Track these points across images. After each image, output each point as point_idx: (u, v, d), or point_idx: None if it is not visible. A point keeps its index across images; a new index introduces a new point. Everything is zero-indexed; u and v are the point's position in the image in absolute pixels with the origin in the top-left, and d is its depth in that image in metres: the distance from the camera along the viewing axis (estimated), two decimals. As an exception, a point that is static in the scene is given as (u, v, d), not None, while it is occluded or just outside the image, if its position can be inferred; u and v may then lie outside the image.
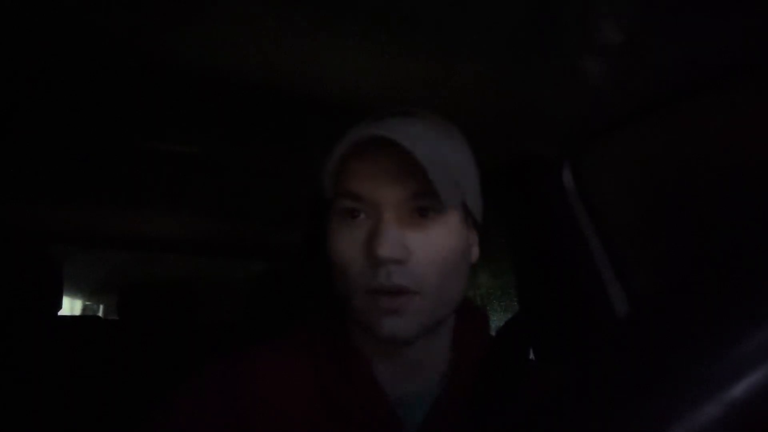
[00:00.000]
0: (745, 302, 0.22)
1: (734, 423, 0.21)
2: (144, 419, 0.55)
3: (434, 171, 0.48)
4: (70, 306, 4.61)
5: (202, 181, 1.43)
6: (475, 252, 0.60)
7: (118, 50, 0.80)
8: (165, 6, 0.70)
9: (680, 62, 0.77)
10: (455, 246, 0.53)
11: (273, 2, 0.69)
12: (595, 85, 0.85)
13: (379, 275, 0.49)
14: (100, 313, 4.67)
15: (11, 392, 1.28)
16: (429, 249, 0.51)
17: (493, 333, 0.65)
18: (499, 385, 0.56)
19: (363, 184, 0.52)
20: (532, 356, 1.09)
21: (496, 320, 1.80)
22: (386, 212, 0.51)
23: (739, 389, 0.21)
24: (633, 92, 0.87)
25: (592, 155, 1.06)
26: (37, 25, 0.75)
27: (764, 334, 0.21)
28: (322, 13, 0.70)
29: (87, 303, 4.75)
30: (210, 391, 0.55)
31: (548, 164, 1.10)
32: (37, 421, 1.27)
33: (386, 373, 0.56)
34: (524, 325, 0.64)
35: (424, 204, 0.51)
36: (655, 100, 0.87)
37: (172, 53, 0.81)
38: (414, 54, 0.79)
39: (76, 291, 3.85)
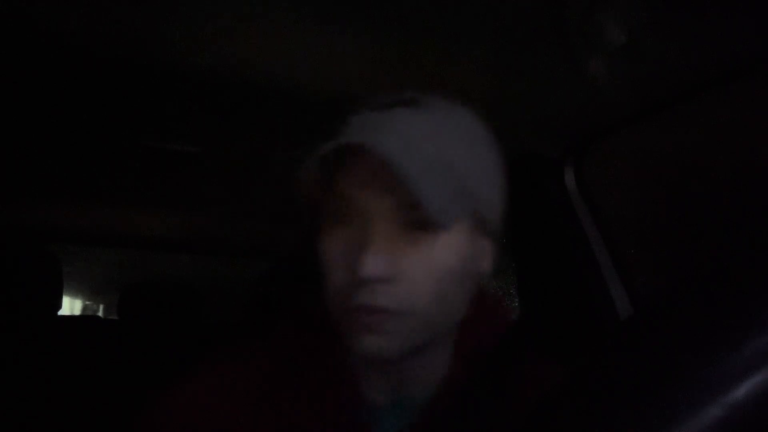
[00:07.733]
0: (747, 305, 0.22)
1: (736, 425, 0.21)
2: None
3: (426, 184, 0.42)
4: (70, 306, 4.61)
5: (202, 180, 1.42)
6: (488, 262, 0.52)
7: (119, 50, 0.80)
8: (165, 6, 0.70)
9: (681, 62, 0.77)
10: (455, 265, 0.46)
11: (274, 2, 0.69)
12: (598, 86, 0.85)
13: (362, 293, 0.44)
14: (100, 313, 4.67)
15: (11, 392, 1.28)
16: (422, 269, 0.45)
17: None
18: (492, 382, 0.52)
19: (351, 189, 0.46)
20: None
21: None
22: (375, 223, 0.44)
23: (741, 391, 0.21)
24: (635, 93, 0.87)
25: (595, 155, 1.06)
26: (38, 25, 0.75)
27: (766, 338, 0.21)
28: (322, 13, 0.70)
29: (87, 303, 4.75)
30: None
31: (550, 164, 1.09)
32: (37, 420, 1.27)
33: (369, 379, 0.51)
34: (524, 327, 0.61)
35: (420, 217, 0.44)
36: (657, 101, 0.87)
37: (173, 53, 0.81)
38: (415, 53, 0.79)
39: (76, 291, 3.85)
